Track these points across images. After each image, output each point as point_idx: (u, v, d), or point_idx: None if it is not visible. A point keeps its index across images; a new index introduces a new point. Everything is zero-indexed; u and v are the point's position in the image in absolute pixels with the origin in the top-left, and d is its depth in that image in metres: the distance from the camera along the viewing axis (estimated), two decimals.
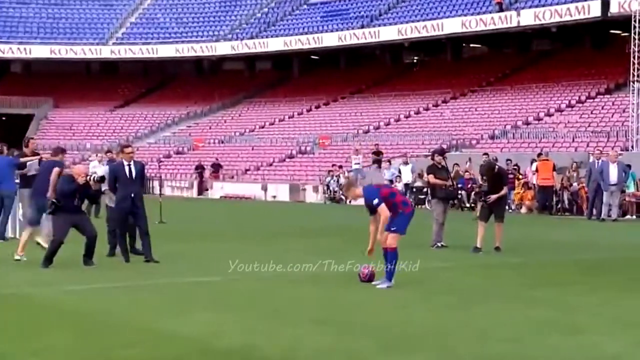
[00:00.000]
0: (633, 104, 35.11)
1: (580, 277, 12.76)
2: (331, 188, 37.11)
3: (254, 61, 61.89)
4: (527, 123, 41.25)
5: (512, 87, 46.80)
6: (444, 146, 35.95)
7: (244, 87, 60.09)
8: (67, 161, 19.78)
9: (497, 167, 16.72)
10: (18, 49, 59.30)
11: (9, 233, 17.46)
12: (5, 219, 17.27)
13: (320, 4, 57.76)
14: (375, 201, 10.87)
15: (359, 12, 54.36)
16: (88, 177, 13.03)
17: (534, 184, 29.01)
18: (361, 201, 11.47)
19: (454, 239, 16.61)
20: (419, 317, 9.08)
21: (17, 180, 17.19)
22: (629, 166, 26.54)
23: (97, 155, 28.59)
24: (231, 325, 8.50)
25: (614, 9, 40.62)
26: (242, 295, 10.55)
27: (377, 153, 38.91)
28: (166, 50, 59.44)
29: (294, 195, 40.08)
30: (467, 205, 29.78)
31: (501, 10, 46.02)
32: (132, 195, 13.63)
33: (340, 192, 34.18)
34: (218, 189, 44.04)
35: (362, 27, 52.53)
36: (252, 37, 57.45)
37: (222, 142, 52.47)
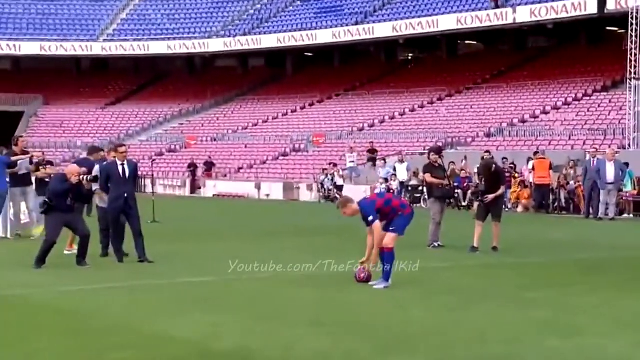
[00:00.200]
0: (630, 101, 35.01)
1: (579, 277, 12.72)
2: (325, 186, 36.89)
3: (246, 58, 61.61)
4: (524, 121, 41.17)
5: (508, 85, 46.68)
6: (440, 144, 35.87)
7: (236, 85, 59.87)
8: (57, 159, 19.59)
9: (494, 166, 16.61)
10: (7, 45, 58.82)
11: (0, 233, 17.25)
12: None
13: (314, 1, 57.59)
14: (370, 218, 10.86)
15: (353, 9, 54.17)
16: (81, 177, 12.88)
17: (531, 183, 28.91)
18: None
19: (451, 238, 16.51)
20: (417, 318, 9.06)
21: (8, 179, 16.98)
22: (626, 164, 26.41)
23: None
24: (228, 326, 8.43)
25: (610, 5, 40.58)
26: (238, 296, 10.47)
27: (372, 151, 38.82)
28: (158, 47, 59.09)
29: (287, 194, 39.89)
30: (464, 204, 29.65)
31: (497, 6, 45.94)
32: (125, 195, 13.52)
33: (335, 195, 33.95)
34: (211, 188, 43.84)
35: (357, 23, 52.39)
36: (245, 34, 57.23)
37: (215, 140, 52.28)
